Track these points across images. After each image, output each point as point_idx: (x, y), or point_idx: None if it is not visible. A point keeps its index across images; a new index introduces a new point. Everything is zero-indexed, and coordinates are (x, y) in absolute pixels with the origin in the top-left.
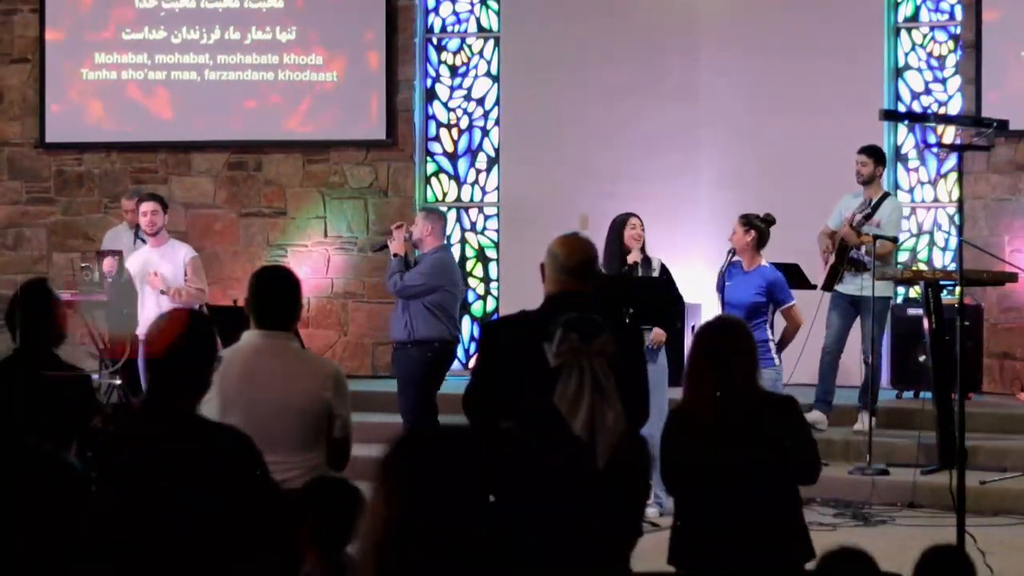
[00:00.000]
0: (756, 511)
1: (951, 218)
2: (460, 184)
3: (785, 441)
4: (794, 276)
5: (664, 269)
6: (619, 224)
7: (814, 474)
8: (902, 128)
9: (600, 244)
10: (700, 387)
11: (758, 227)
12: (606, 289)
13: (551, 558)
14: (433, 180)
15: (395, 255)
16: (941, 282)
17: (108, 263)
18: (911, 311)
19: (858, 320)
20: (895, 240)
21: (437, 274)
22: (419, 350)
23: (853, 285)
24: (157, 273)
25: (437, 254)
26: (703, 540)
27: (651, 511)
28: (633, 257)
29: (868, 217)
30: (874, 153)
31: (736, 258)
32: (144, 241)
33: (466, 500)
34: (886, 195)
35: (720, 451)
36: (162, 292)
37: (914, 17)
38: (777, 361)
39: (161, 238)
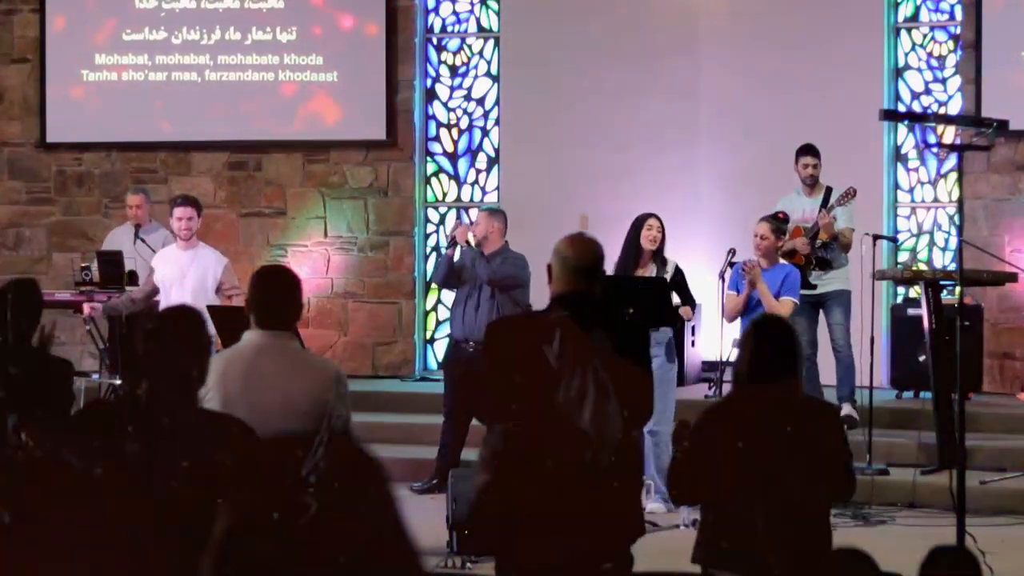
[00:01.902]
0: (787, 515)
1: (951, 218)
2: (460, 184)
3: (824, 448)
4: None
5: (678, 271)
6: (638, 224)
7: (848, 488)
8: (902, 128)
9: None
10: (754, 385)
11: (784, 230)
12: (608, 288)
13: (554, 551)
14: (433, 180)
15: (467, 244)
16: (941, 282)
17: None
18: (911, 311)
19: (822, 316)
20: (894, 239)
21: (525, 267)
22: None
23: (814, 281)
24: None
25: (513, 251)
26: (731, 541)
27: (658, 506)
28: (645, 263)
29: (831, 208)
30: (818, 153)
31: (733, 259)
32: (144, 241)
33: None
34: (830, 189)
35: (764, 451)
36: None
37: (914, 17)
38: None
39: (192, 241)
